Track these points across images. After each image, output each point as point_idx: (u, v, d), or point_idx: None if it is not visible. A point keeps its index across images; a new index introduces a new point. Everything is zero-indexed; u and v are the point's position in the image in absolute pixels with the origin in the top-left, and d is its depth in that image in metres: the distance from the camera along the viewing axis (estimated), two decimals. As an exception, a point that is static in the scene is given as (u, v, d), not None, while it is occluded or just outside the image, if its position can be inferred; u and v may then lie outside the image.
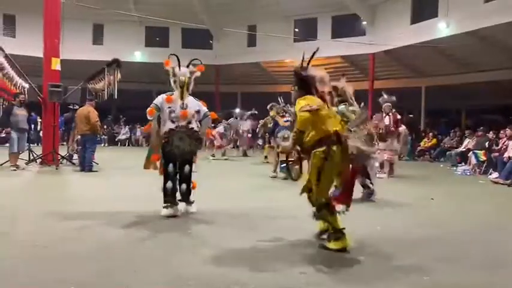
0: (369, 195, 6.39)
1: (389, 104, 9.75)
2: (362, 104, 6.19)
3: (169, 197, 5.00)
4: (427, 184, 9.07)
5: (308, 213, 3.86)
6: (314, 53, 4.25)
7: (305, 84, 3.95)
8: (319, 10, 21.58)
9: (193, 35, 23.85)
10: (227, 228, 4.54)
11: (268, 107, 10.99)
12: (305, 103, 3.68)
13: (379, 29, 19.75)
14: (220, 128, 14.33)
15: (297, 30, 23.17)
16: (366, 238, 4.13)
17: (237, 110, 16.45)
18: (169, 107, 5.00)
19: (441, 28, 16.10)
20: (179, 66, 5.14)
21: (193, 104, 5.16)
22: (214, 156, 13.65)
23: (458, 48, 16.44)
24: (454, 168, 12.10)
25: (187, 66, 5.25)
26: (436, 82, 19.76)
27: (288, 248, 3.81)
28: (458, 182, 9.76)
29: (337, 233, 3.71)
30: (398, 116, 10.04)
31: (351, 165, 3.85)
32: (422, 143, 16.81)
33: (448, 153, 14.36)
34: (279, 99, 10.16)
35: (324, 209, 3.71)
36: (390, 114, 9.71)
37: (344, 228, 3.70)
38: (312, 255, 3.58)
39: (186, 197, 5.12)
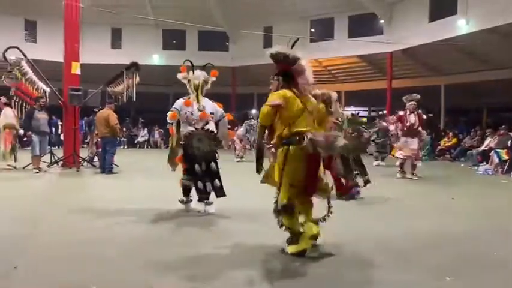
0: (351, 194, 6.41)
1: (414, 103, 9.45)
2: (355, 112, 6.48)
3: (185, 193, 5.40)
4: (448, 184, 8.92)
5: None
6: (295, 42, 4.17)
7: (289, 75, 3.75)
8: (335, 10, 21.48)
9: (210, 37, 23.99)
10: (247, 224, 4.56)
11: None
12: (276, 97, 3.56)
13: (396, 27, 19.55)
14: (242, 130, 14.33)
15: (313, 30, 23.11)
16: (393, 238, 4.09)
17: (254, 111, 16.48)
18: (188, 110, 5.20)
19: (460, 25, 15.84)
20: (193, 70, 5.41)
21: (209, 106, 5.36)
22: (238, 157, 13.59)
23: (478, 45, 16.15)
24: (476, 167, 11.89)
25: (203, 69, 5.42)
26: (456, 80, 19.42)
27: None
28: (479, 182, 9.59)
29: (295, 236, 3.56)
30: (424, 116, 9.75)
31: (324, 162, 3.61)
32: (442, 143, 16.57)
33: (468, 152, 14.13)
34: None
35: (282, 212, 3.54)
36: (415, 113, 9.41)
37: (301, 232, 3.54)
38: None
39: (220, 193, 5.22)
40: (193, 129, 5.13)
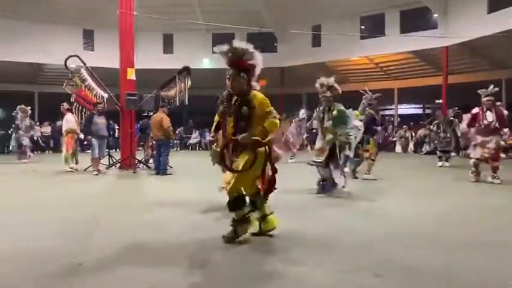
0: (325, 186, 6.58)
1: (491, 98, 8.09)
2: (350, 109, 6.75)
3: None
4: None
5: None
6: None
7: (253, 73, 3.88)
8: (386, 5, 20.95)
9: (258, 38, 24.04)
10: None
11: None
12: (270, 105, 3.83)
13: (452, 20, 18.74)
14: (293, 127, 14.20)
15: (363, 27, 22.64)
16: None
17: (302, 111, 16.28)
18: None
19: (522, 15, 14.96)
20: None
21: None
22: (292, 159, 13.46)
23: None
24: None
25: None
26: (518, 73, 18.35)
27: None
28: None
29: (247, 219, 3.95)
30: (505, 112, 8.38)
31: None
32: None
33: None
34: (366, 89, 9.44)
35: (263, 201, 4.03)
36: (493, 109, 8.07)
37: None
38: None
39: None
40: None
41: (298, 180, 7.77)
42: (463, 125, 8.87)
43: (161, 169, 10.14)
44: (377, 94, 9.24)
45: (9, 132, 16.51)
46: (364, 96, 9.11)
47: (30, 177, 9.89)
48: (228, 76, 3.88)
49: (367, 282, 2.93)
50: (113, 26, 13.86)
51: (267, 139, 3.78)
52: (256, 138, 3.74)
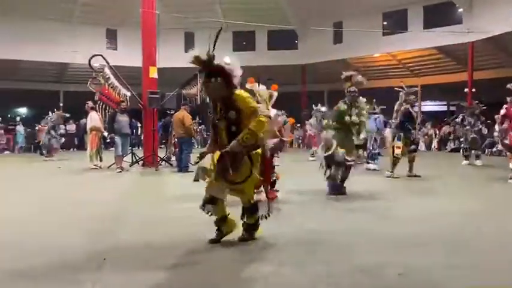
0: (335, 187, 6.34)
1: None
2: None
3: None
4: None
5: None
6: (218, 34, 4.13)
7: (227, 75, 3.73)
8: (409, 1, 20.59)
9: (279, 36, 24.08)
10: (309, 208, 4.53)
11: None
12: (255, 103, 3.69)
13: (478, 15, 18.27)
14: (313, 120, 14.04)
15: (385, 23, 22.32)
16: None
17: (323, 109, 16.13)
18: None
19: (553, 8, 14.48)
20: (258, 84, 5.91)
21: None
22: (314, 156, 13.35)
23: None
24: None
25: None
26: (547, 69, 17.77)
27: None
28: None
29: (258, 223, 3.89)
30: None
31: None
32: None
33: None
34: (402, 85, 9.21)
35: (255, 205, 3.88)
36: None
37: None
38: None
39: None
40: None
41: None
42: (499, 126, 8.46)
43: (183, 166, 10.23)
44: (414, 88, 9.04)
45: (36, 129, 16.93)
46: (403, 92, 8.83)
47: (55, 175, 10.13)
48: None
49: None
50: (135, 26, 14.07)
51: (257, 141, 3.60)
52: (245, 143, 3.53)
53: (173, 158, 11.82)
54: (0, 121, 20.62)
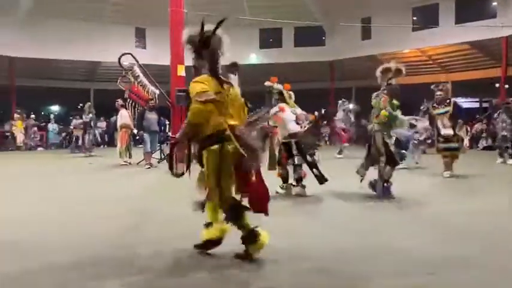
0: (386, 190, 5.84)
1: None
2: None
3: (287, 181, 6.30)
4: None
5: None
6: (221, 22, 3.73)
7: (208, 56, 3.37)
8: (440, -5, 20.11)
9: (306, 32, 23.91)
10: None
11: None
12: (200, 88, 3.13)
13: (512, 8, 17.67)
14: (340, 115, 13.89)
15: (415, 18, 21.85)
16: None
17: (351, 106, 15.89)
18: (286, 115, 6.13)
19: None
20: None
21: (298, 110, 6.29)
22: (340, 154, 13.18)
23: None
24: None
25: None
26: None
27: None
28: None
29: (252, 233, 3.23)
30: None
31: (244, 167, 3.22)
32: None
33: None
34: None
35: (234, 210, 3.27)
36: None
37: (257, 226, 3.26)
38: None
39: (320, 180, 6.09)
40: (296, 129, 6.05)
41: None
42: None
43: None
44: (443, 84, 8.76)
45: (71, 127, 17.41)
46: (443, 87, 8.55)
47: (86, 171, 10.41)
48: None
49: None
50: (163, 24, 14.21)
51: (192, 130, 3.23)
52: (183, 131, 3.26)
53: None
54: (34, 118, 21.26)
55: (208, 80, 3.25)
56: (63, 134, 21.42)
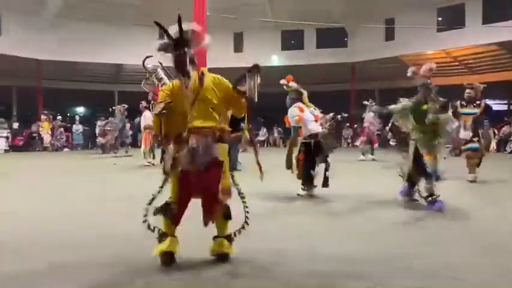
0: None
1: None
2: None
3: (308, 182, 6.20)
4: None
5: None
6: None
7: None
8: (466, -6, 19.71)
9: (328, 34, 23.79)
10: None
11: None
12: (161, 97, 3.25)
13: (544, 7, 17.17)
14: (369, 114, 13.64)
15: (440, 19, 21.47)
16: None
17: (375, 107, 15.67)
18: (305, 115, 6.16)
19: None
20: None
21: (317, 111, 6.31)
22: (364, 156, 12.77)
23: None
24: None
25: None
26: None
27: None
28: None
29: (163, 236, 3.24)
30: None
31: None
32: None
33: None
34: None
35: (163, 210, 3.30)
36: None
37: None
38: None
39: (325, 184, 6.11)
40: (317, 130, 6.06)
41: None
42: None
43: (231, 165, 10.34)
44: (483, 85, 8.46)
45: (97, 127, 17.75)
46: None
47: (111, 171, 10.59)
48: None
49: None
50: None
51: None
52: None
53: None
54: (60, 120, 21.78)
55: (173, 84, 3.36)
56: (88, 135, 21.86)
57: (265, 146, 23.67)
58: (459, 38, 19.67)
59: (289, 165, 6.30)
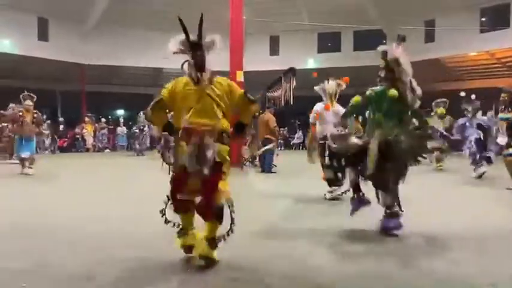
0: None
1: None
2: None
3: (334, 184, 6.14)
4: None
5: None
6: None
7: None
8: (512, -7, 18.98)
9: (365, 36, 23.46)
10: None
11: (433, 103, 10.37)
12: (162, 92, 3.36)
13: None
14: None
15: (483, 19, 20.76)
16: None
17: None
18: (325, 114, 6.32)
19: None
20: (328, 80, 6.59)
21: (340, 110, 6.04)
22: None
23: None
24: None
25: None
26: None
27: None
28: None
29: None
30: None
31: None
32: None
33: None
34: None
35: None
36: None
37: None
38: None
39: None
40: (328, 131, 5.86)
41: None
42: None
43: (266, 167, 10.44)
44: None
45: (136, 130, 18.28)
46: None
47: (150, 173, 10.88)
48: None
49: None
50: (222, 31, 14.62)
51: None
52: None
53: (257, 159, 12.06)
54: (104, 122, 22.56)
55: (177, 81, 3.44)
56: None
57: (300, 148, 23.60)
58: (503, 38, 18.96)
59: (310, 158, 6.58)
